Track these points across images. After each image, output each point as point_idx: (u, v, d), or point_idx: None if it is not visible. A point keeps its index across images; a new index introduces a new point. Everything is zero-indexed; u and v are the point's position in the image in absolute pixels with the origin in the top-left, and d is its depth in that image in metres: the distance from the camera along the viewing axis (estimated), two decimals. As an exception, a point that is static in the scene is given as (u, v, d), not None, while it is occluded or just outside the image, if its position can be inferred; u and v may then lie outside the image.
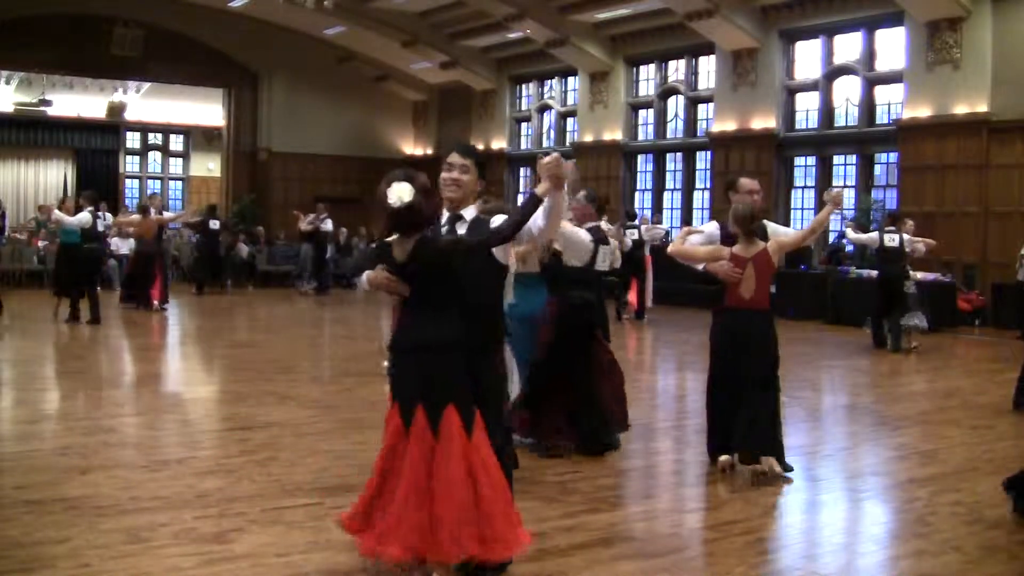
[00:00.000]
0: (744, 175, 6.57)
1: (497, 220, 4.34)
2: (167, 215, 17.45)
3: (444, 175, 4.29)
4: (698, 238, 6.32)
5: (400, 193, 3.87)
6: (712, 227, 6.33)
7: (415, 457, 3.86)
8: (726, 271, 5.91)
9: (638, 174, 21.90)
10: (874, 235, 12.97)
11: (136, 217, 15.81)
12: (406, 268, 3.97)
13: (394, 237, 4.01)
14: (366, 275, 4.06)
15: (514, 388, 5.86)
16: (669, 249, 6.16)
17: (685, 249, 6.10)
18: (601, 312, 6.98)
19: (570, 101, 23.56)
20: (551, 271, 6.45)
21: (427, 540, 3.80)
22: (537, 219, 4.15)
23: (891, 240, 12.37)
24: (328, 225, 20.63)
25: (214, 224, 19.80)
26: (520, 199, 24.49)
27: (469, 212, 4.31)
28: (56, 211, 13.95)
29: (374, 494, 3.97)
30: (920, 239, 12.78)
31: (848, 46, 17.77)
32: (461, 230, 4.20)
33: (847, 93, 17.87)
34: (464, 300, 4.04)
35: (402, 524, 3.81)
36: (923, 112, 16.11)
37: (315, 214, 20.43)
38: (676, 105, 21.09)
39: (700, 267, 6.09)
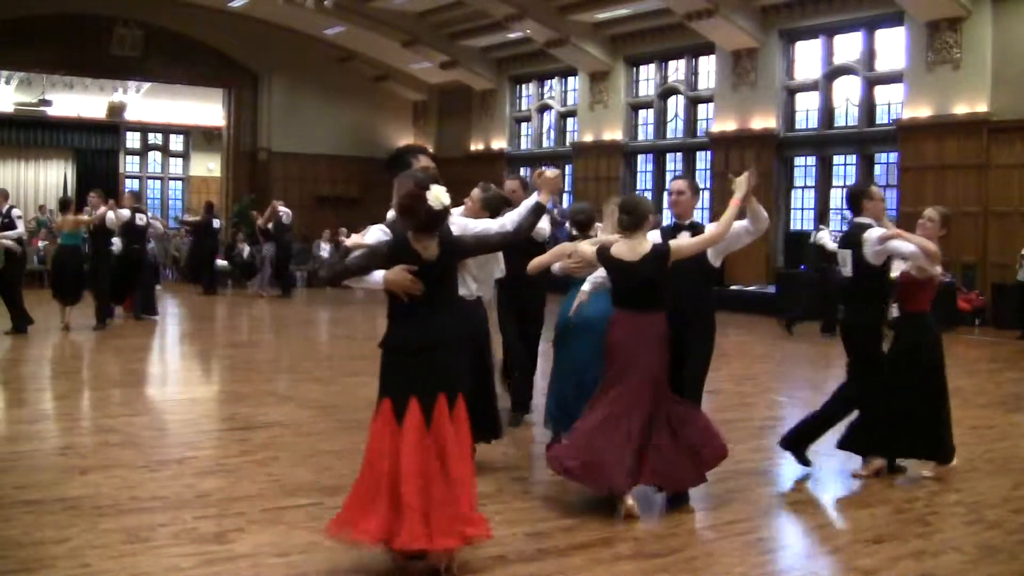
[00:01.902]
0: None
1: (476, 224, 4.73)
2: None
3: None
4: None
5: (440, 196, 4.02)
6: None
7: (443, 448, 4.02)
8: (939, 274, 5.98)
9: (638, 174, 21.88)
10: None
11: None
12: (433, 266, 4.07)
13: (408, 235, 4.09)
14: (383, 275, 4.04)
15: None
16: (932, 247, 5.93)
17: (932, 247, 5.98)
18: None
19: (570, 101, 23.55)
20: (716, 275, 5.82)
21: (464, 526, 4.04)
22: (492, 227, 4.75)
23: (819, 239, 13.69)
24: (286, 220, 19.09)
25: (216, 223, 19.57)
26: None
27: None
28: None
29: (382, 495, 4.00)
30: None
31: (848, 46, 17.76)
32: None
33: (847, 93, 17.86)
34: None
35: (443, 515, 3.95)
36: (923, 112, 16.11)
37: (270, 210, 18.86)
38: (676, 105, 21.08)
39: (937, 269, 5.95)
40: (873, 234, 5.96)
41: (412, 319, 4.10)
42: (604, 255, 5.34)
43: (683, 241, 5.39)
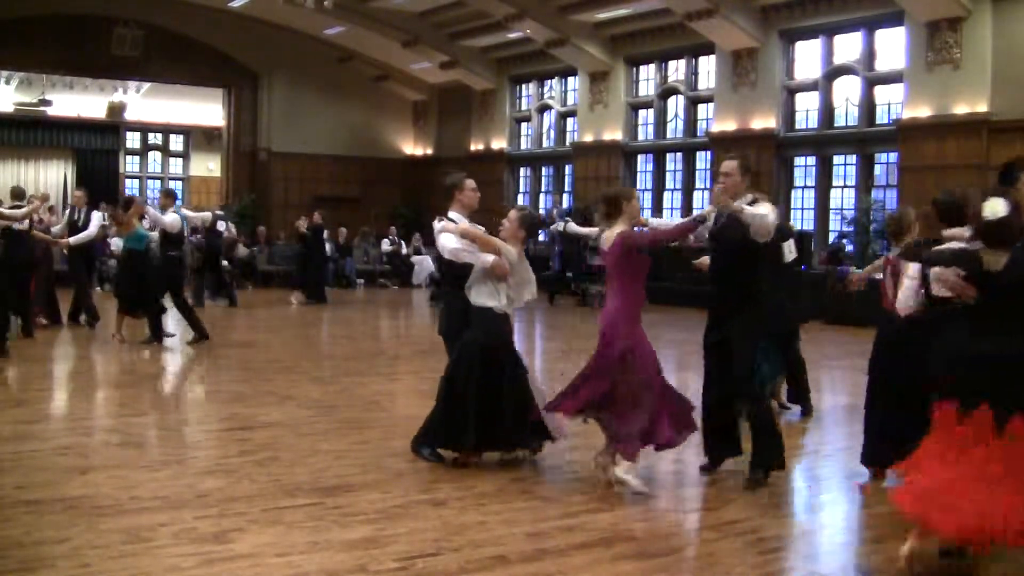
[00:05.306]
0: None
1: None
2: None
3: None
4: None
5: (995, 207, 4.16)
6: None
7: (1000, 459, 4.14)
8: None
9: (638, 174, 21.88)
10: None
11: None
12: (997, 279, 4.22)
13: (980, 247, 4.30)
14: (939, 270, 4.46)
15: None
16: None
17: None
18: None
19: (570, 101, 23.55)
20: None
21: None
22: None
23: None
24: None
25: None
26: (520, 199, 23.94)
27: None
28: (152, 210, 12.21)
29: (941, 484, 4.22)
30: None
31: (848, 46, 17.76)
32: None
33: (847, 93, 17.86)
34: None
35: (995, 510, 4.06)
36: (923, 112, 16.10)
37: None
38: (676, 105, 21.08)
39: None
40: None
41: (980, 328, 4.28)
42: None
43: None
